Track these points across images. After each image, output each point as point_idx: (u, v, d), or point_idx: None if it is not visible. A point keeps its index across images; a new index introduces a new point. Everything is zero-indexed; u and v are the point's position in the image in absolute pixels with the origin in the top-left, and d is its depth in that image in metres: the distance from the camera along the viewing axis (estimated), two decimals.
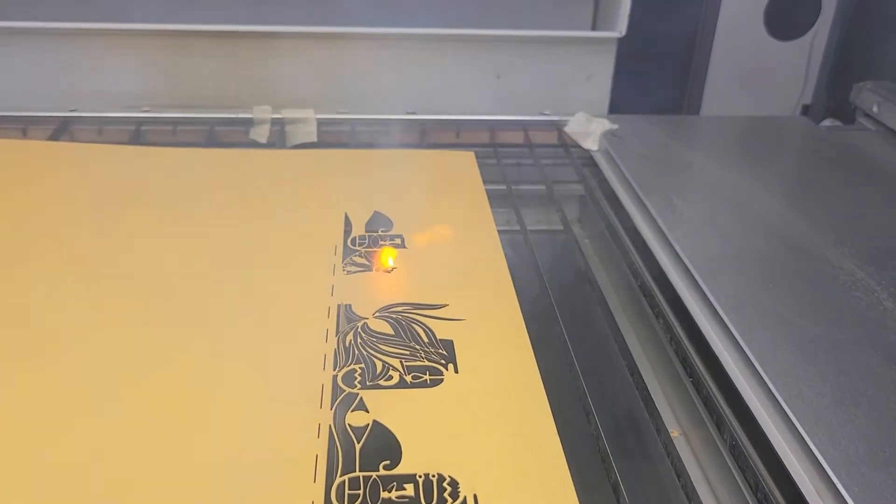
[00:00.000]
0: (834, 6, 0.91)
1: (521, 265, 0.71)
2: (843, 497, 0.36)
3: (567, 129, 0.80)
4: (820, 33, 0.93)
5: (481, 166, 0.73)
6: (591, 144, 0.78)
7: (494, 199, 0.69)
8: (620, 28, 0.79)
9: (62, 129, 0.75)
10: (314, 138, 0.78)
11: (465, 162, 0.71)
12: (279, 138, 0.78)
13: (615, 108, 0.88)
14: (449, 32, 0.79)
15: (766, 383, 0.44)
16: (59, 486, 0.36)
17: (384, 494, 0.35)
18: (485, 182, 0.71)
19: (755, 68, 0.95)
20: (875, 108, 0.82)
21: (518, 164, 0.81)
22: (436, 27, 0.79)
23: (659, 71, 0.96)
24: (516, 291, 0.52)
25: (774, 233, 0.60)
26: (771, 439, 0.41)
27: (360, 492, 0.36)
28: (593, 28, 0.86)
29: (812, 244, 0.58)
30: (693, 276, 0.54)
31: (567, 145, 0.79)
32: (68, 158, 0.69)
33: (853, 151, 0.77)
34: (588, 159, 0.79)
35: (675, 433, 0.52)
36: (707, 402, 0.47)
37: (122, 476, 0.37)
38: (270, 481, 0.36)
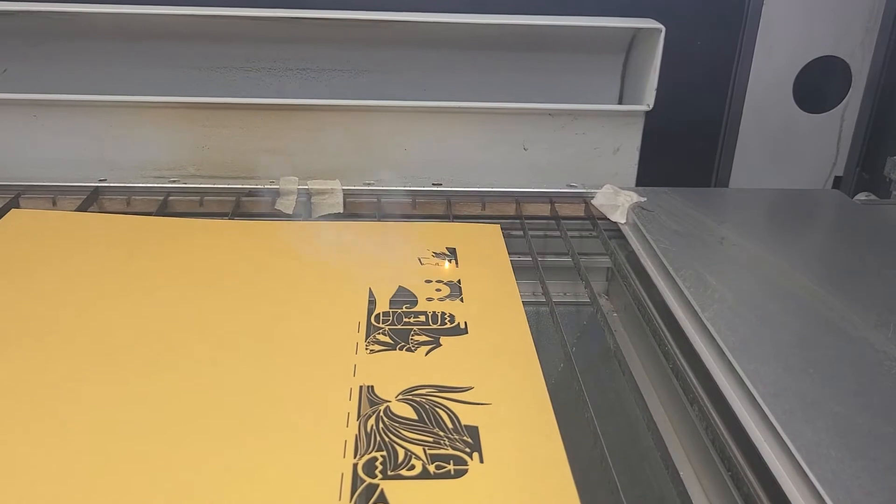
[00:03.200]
0: (865, 78, 0.91)
1: (547, 338, 0.69)
2: None
3: (594, 201, 0.79)
4: (851, 105, 0.92)
5: (507, 238, 0.72)
6: (619, 217, 0.77)
7: (521, 270, 0.68)
8: (648, 101, 0.79)
9: (91, 199, 0.76)
10: (340, 209, 0.77)
11: (491, 234, 0.70)
12: (305, 209, 0.77)
13: (643, 181, 0.87)
14: (477, 106, 0.79)
15: (811, 481, 0.41)
16: None
17: None
18: (511, 253, 0.70)
19: (785, 141, 0.94)
20: None
21: (545, 236, 0.80)
22: (464, 100, 0.79)
23: (688, 143, 0.95)
24: (542, 365, 0.50)
25: (812, 314, 0.58)
26: None
27: None
28: (621, 100, 0.85)
29: (852, 327, 0.56)
30: (728, 360, 0.52)
31: (594, 217, 0.78)
32: (94, 229, 0.68)
33: (890, 226, 0.75)
34: (615, 231, 0.77)
35: None
36: (748, 500, 0.44)
37: None
38: None
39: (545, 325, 0.74)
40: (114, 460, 0.41)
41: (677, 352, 0.58)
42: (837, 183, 0.95)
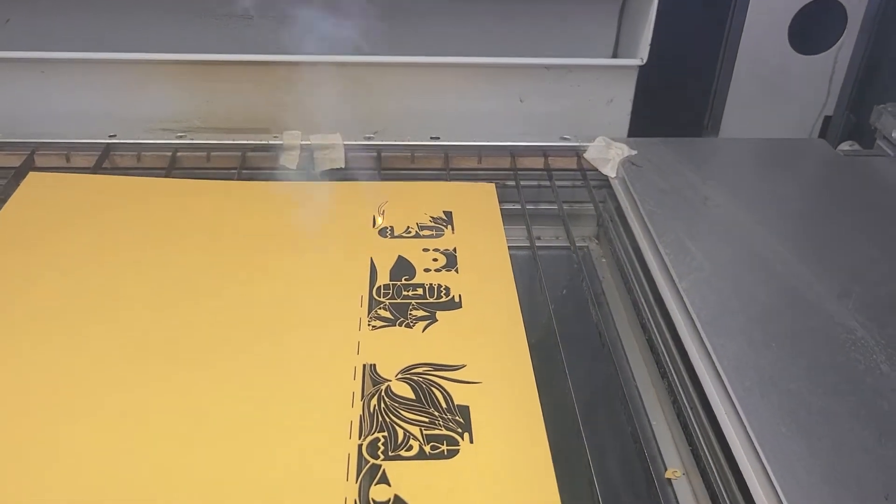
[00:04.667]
0: (860, 20, 0.91)
1: (536, 282, 0.74)
2: None
3: (586, 154, 0.82)
4: (845, 47, 0.93)
5: (503, 189, 0.77)
6: (609, 171, 0.80)
7: (515, 217, 0.75)
8: (642, 55, 0.80)
9: (104, 157, 0.79)
10: (342, 164, 0.81)
11: (486, 195, 0.74)
12: (308, 163, 0.81)
13: (636, 123, 0.89)
14: (475, 61, 0.81)
15: (760, 458, 0.47)
16: None
17: None
18: (506, 202, 0.76)
19: (778, 82, 0.95)
20: (895, 134, 0.82)
21: (538, 186, 0.84)
22: (462, 55, 0.81)
23: (681, 85, 0.97)
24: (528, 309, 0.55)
25: (781, 283, 0.62)
26: None
27: None
28: (615, 52, 0.87)
29: (817, 297, 0.60)
30: (699, 334, 0.56)
31: (585, 170, 0.81)
32: (111, 192, 0.72)
33: (870, 180, 0.78)
34: (605, 181, 0.81)
35: (677, 473, 0.56)
36: (704, 474, 0.50)
37: None
38: None
39: (535, 268, 0.79)
40: (128, 442, 0.47)
41: (653, 323, 0.63)
42: (826, 123, 0.97)
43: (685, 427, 0.55)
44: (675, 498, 0.54)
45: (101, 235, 0.66)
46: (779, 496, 0.44)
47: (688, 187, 0.75)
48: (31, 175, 0.74)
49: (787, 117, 0.97)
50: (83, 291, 0.59)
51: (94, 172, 0.78)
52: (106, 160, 0.80)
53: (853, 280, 0.63)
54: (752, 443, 0.47)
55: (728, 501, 0.49)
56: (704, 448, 0.52)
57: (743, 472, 0.47)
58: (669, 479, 0.55)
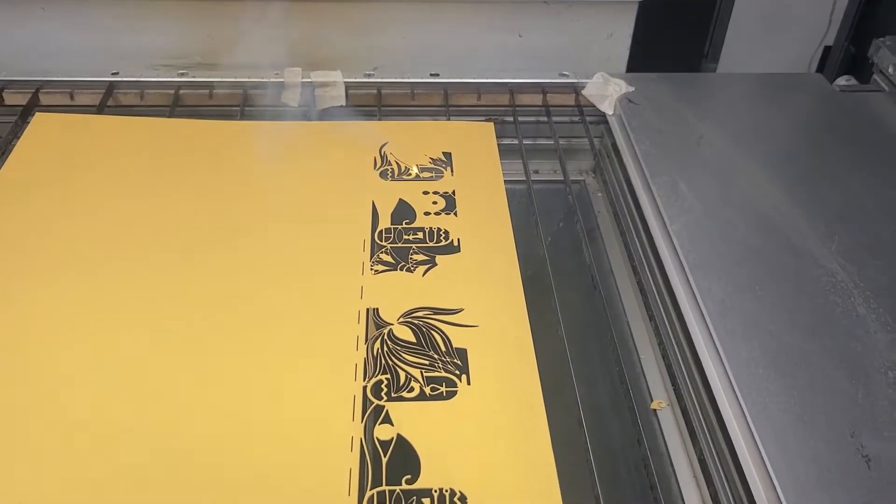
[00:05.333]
0: None
1: (534, 215, 0.76)
2: None
3: (584, 91, 0.83)
4: None
5: (501, 125, 0.79)
6: (607, 108, 0.81)
7: (514, 153, 0.77)
8: None
9: (108, 95, 0.80)
10: (343, 102, 0.82)
11: (485, 135, 0.75)
12: (310, 101, 0.82)
13: (636, 55, 0.89)
14: None
15: (738, 398, 0.50)
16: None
17: None
18: (504, 137, 0.78)
19: (779, 12, 0.95)
20: (891, 69, 0.83)
21: (537, 122, 0.85)
22: None
23: (682, 15, 0.96)
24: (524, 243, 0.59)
25: (768, 225, 0.64)
26: (738, 452, 0.48)
27: None
28: None
29: (803, 239, 0.63)
30: (687, 277, 0.59)
31: (582, 106, 0.83)
32: (117, 133, 0.74)
33: (864, 118, 0.79)
34: (603, 117, 0.82)
35: (662, 404, 0.60)
36: (686, 413, 0.54)
37: (157, 483, 0.44)
38: (310, 492, 0.44)
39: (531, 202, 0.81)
40: (137, 385, 0.50)
41: (645, 264, 0.65)
42: (826, 53, 0.97)
43: (669, 368, 0.58)
44: (660, 427, 0.58)
45: (109, 178, 0.68)
46: (752, 432, 0.48)
47: (683, 126, 0.77)
48: (38, 115, 0.76)
49: (787, 46, 0.97)
50: (93, 236, 0.61)
51: (100, 111, 0.79)
52: (110, 98, 0.81)
53: (839, 220, 0.65)
54: (732, 384, 0.51)
55: (708, 437, 0.53)
56: (689, 387, 0.56)
57: (722, 412, 0.51)
58: (655, 410, 0.59)
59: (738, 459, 0.48)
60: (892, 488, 0.45)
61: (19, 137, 0.73)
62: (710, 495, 0.51)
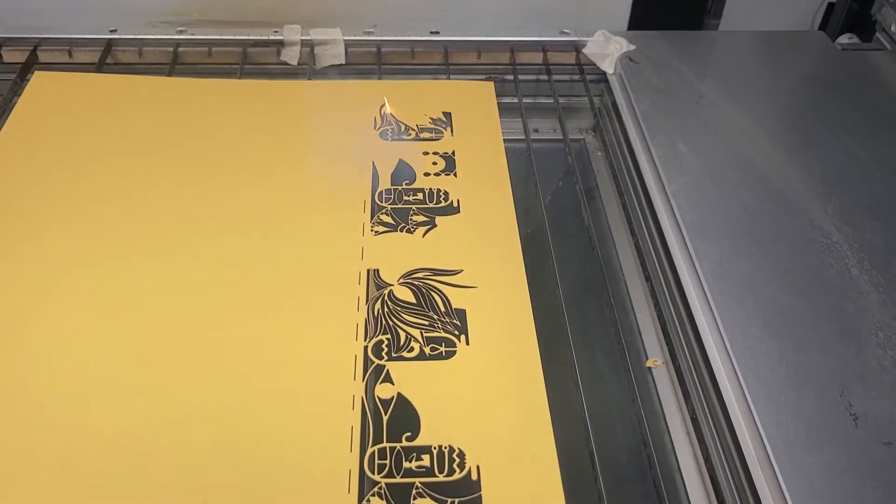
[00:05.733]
0: None
1: (528, 174, 0.76)
2: (776, 475, 0.45)
3: (585, 50, 0.82)
4: None
5: (501, 84, 0.79)
6: (607, 67, 0.81)
7: (514, 111, 0.77)
8: None
9: (106, 53, 0.80)
10: (342, 60, 0.81)
11: (484, 94, 0.75)
12: (310, 60, 0.82)
13: (638, 9, 0.88)
14: None
15: (730, 357, 0.51)
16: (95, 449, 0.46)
17: (406, 464, 0.45)
18: (504, 95, 0.78)
19: None
20: (894, 28, 0.82)
21: (537, 80, 0.85)
22: None
23: None
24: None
25: (767, 185, 0.65)
26: (729, 410, 0.50)
27: (387, 462, 0.45)
28: None
29: (799, 200, 0.63)
30: (684, 239, 0.60)
31: (583, 65, 0.82)
32: (116, 92, 0.74)
33: (865, 77, 0.79)
34: (603, 75, 0.82)
35: (657, 362, 0.61)
36: (679, 371, 0.55)
37: (160, 444, 0.46)
38: (313, 449, 0.46)
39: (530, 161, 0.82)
40: (142, 339, 0.52)
41: (644, 225, 0.66)
42: (829, 10, 0.96)
43: (664, 328, 0.59)
44: (655, 386, 0.59)
45: (109, 138, 0.68)
46: (743, 391, 0.49)
47: (683, 85, 0.77)
48: (37, 74, 0.76)
49: (790, 2, 0.96)
50: (94, 195, 0.62)
51: (98, 69, 0.79)
52: (108, 56, 0.81)
53: (836, 181, 0.65)
54: (725, 344, 0.52)
55: (701, 395, 0.54)
56: (684, 346, 0.57)
57: (715, 371, 0.52)
58: (650, 368, 0.60)
59: (729, 417, 0.49)
60: (877, 446, 0.46)
61: (19, 96, 0.73)
62: (702, 451, 0.52)
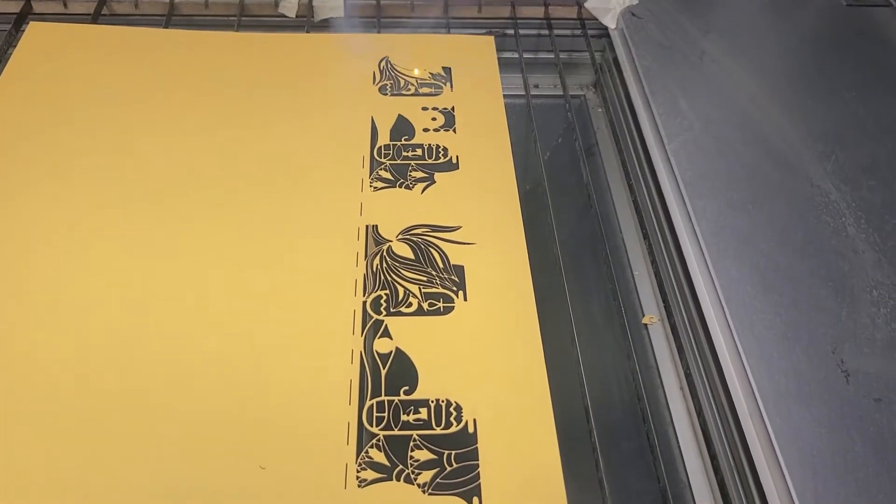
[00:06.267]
0: None
1: (528, 129, 0.76)
2: (767, 428, 0.46)
3: (587, 4, 0.81)
4: None
5: (501, 39, 0.78)
6: (609, 22, 0.80)
7: (514, 66, 0.76)
8: None
9: (102, 3, 0.79)
10: (341, 13, 0.80)
11: (484, 49, 0.74)
12: (308, 12, 0.80)
13: None
14: None
15: (725, 314, 0.52)
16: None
17: (403, 417, 0.46)
18: (505, 50, 0.78)
19: None
20: None
21: (538, 35, 0.84)
22: None
23: None
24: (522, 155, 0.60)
25: (767, 143, 0.65)
26: (723, 365, 0.50)
27: (385, 414, 0.46)
28: None
29: (798, 158, 0.63)
30: (682, 195, 0.60)
31: (584, 19, 0.81)
32: (111, 44, 0.73)
33: (869, 34, 0.78)
34: (605, 30, 0.81)
35: (653, 319, 0.61)
36: (675, 330, 0.56)
37: (160, 400, 0.47)
38: (312, 402, 0.46)
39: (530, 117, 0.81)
40: (142, 292, 0.52)
41: (643, 182, 0.66)
42: None
43: (661, 284, 0.59)
44: (650, 342, 0.60)
45: (106, 90, 0.67)
46: (737, 347, 0.50)
47: (686, 41, 0.76)
48: (32, 25, 0.75)
49: None
50: (91, 146, 0.62)
51: (94, 20, 0.78)
52: (104, 7, 0.80)
53: (836, 140, 0.65)
54: (720, 301, 0.52)
55: (695, 351, 0.55)
56: (679, 303, 0.58)
57: (709, 328, 0.52)
58: (646, 325, 0.61)
59: (722, 373, 0.50)
60: (866, 401, 0.47)
61: (14, 47, 0.73)
62: (695, 405, 0.53)
